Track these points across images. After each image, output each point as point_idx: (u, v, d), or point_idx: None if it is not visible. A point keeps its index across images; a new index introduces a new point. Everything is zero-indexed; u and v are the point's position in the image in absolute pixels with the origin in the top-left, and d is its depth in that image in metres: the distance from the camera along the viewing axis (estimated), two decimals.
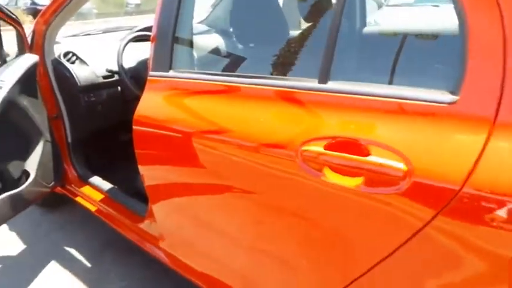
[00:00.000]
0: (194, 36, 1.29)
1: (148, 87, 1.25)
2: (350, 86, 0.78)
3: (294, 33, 1.17)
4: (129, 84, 1.82)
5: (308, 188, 0.81)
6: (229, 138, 0.95)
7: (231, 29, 1.62)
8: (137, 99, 2.00)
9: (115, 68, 1.92)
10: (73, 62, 1.96)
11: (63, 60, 1.91)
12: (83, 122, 2.04)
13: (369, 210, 0.74)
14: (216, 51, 1.62)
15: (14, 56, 1.72)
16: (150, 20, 2.61)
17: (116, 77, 2.01)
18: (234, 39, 1.67)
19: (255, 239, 1.03)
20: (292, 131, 0.84)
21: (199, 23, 2.36)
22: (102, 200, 1.88)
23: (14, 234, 2.16)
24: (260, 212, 0.97)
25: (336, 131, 0.77)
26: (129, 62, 1.93)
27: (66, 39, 2.38)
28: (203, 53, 1.47)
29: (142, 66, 1.95)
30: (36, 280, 1.84)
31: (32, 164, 1.74)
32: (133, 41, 1.91)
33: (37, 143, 1.77)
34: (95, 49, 2.17)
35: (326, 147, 0.77)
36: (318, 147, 0.78)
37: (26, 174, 1.74)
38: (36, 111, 1.73)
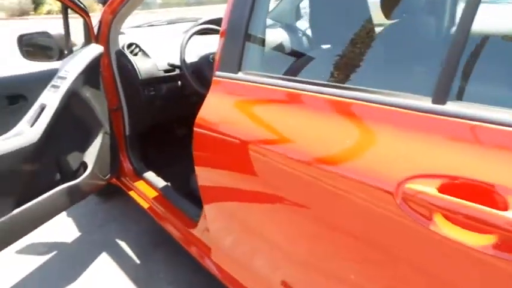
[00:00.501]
0: (266, 34, 1.14)
1: (214, 88, 1.13)
2: (481, 111, 0.59)
3: (392, 32, 0.97)
4: (190, 80, 1.73)
5: (406, 233, 0.64)
6: (305, 156, 0.80)
7: (309, 27, 1.47)
8: (197, 95, 1.94)
9: (177, 62, 1.85)
10: (136, 54, 1.91)
11: (127, 52, 1.87)
12: (141, 115, 2.00)
13: (496, 278, 0.55)
14: (289, 51, 1.47)
15: (80, 46, 1.70)
16: (214, 11, 2.52)
17: (177, 71, 1.93)
18: (310, 38, 1.51)
19: (329, 272, 0.88)
20: (393, 161, 0.67)
21: None
22: (155, 198, 1.82)
23: (70, 222, 2.20)
24: (337, 242, 0.81)
25: (458, 169, 0.58)
26: (191, 57, 1.84)
27: (130, 30, 2.36)
28: (275, 54, 1.33)
29: (205, 61, 1.85)
30: (85, 271, 1.84)
31: (90, 156, 1.72)
32: (197, 34, 1.82)
33: (96, 135, 1.74)
34: (158, 41, 2.12)
35: (441, 189, 0.59)
36: (428, 188, 0.60)
37: (84, 166, 1.72)
38: (97, 102, 1.70)
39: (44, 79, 1.49)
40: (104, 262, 1.90)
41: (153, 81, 1.89)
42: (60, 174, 1.62)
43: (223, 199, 1.22)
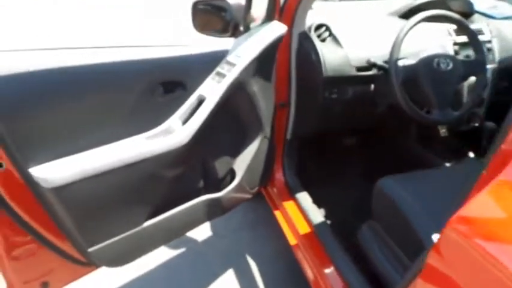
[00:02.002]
0: None
1: None
2: None
3: None
4: (398, 93, 1.17)
5: None
6: None
7: None
8: (393, 108, 1.37)
9: (380, 61, 1.29)
10: (324, 40, 1.42)
11: (313, 36, 1.40)
12: (311, 118, 1.54)
13: None
14: None
15: (260, 22, 1.28)
16: None
17: (374, 71, 1.38)
18: None
19: None
20: None
21: None
22: (306, 237, 1.38)
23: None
24: None
25: None
26: (403, 55, 1.26)
27: (321, 4, 1.83)
28: None
29: (426, 68, 1.24)
30: (208, 275, 1.63)
31: (241, 163, 1.36)
32: (424, 22, 1.22)
33: (253, 139, 1.36)
34: (356, 23, 1.57)
35: None
36: None
37: (232, 174, 1.37)
38: (264, 99, 1.30)
39: (209, 63, 1.14)
40: (226, 273, 1.64)
41: (340, 82, 1.38)
42: (204, 181, 1.30)
43: None
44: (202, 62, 1.12)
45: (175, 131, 1.08)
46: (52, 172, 0.87)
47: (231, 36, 1.23)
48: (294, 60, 1.45)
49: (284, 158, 1.63)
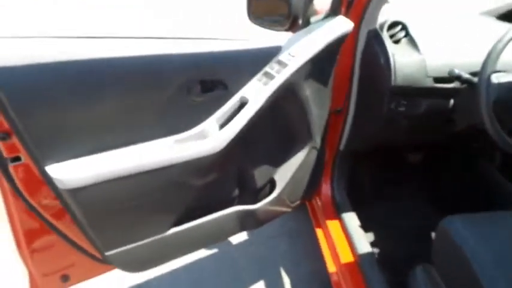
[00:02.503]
0: None
1: None
2: None
3: None
4: (486, 117, 0.94)
5: None
6: None
7: None
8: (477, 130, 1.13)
9: (466, 74, 1.06)
10: (398, 41, 1.20)
11: (385, 36, 1.18)
12: (369, 130, 1.34)
13: None
14: None
15: (322, 16, 1.10)
16: None
17: (456, 84, 1.14)
18: None
19: None
20: None
21: None
22: (347, 265, 1.21)
23: None
24: None
25: None
26: (500, 66, 1.01)
27: None
28: None
29: None
30: (236, 282, 1.53)
31: (284, 174, 1.22)
32: None
33: (300, 148, 1.21)
34: (441, 24, 1.32)
35: None
36: None
37: (272, 184, 1.23)
38: (316, 104, 1.13)
39: (256, 61, 0.99)
40: (256, 281, 1.51)
41: (411, 93, 1.16)
42: (238, 190, 1.17)
43: None
44: (248, 59, 0.98)
45: (211, 136, 0.96)
46: (69, 172, 0.79)
47: (287, 30, 1.06)
48: (358, 63, 1.24)
49: (334, 171, 1.45)
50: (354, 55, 1.24)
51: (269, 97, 0.97)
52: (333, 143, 1.39)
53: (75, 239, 0.98)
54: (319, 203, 1.45)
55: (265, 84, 0.98)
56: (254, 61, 0.99)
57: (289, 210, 1.32)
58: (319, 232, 1.41)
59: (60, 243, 1.00)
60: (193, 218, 1.07)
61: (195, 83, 0.92)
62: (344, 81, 1.26)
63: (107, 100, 0.81)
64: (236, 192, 1.17)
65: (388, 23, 1.20)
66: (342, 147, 1.41)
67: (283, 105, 1.05)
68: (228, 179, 1.12)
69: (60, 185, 0.79)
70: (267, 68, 1.00)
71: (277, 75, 0.97)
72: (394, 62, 1.14)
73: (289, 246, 1.71)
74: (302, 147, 1.20)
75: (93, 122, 0.81)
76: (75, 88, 0.76)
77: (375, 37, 1.20)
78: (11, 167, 0.82)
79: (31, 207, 0.88)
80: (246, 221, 1.20)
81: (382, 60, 1.16)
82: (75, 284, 1.10)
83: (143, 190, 0.91)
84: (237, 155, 1.06)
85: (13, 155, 0.81)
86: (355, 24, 1.10)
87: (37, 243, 0.99)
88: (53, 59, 0.73)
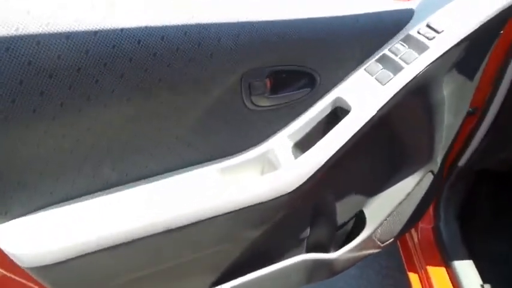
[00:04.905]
0: None
1: None
2: None
3: None
4: None
5: None
6: None
7: None
8: None
9: None
10: None
11: None
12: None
13: None
14: None
15: None
16: None
17: None
18: None
19: None
20: None
21: None
22: None
23: None
24: None
25: None
26: None
27: None
28: None
29: None
30: None
31: (379, 208, 0.81)
32: None
33: (411, 173, 0.79)
34: None
35: None
36: None
37: (359, 220, 0.83)
38: (453, 110, 0.70)
39: (365, 38, 0.56)
40: None
41: None
42: (310, 230, 0.79)
43: None
44: (351, 35, 0.54)
45: (282, 164, 0.56)
46: (28, 243, 0.44)
47: None
48: None
49: (442, 194, 1.01)
50: None
51: (388, 102, 0.55)
52: (449, 157, 0.94)
53: None
54: (415, 238, 1.04)
55: (383, 79, 0.55)
56: (361, 37, 0.55)
57: (375, 251, 0.92)
58: (413, 279, 1.00)
59: None
60: (242, 274, 0.71)
61: (260, 76, 0.51)
62: (491, 73, 0.79)
63: (100, 102, 0.43)
64: (306, 233, 0.78)
65: None
66: (461, 162, 0.96)
67: (399, 112, 0.62)
68: (298, 218, 0.73)
69: (18, 262, 0.44)
70: (386, 51, 0.57)
71: (408, 64, 0.54)
72: None
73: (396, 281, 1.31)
74: (414, 171, 0.78)
75: (76, 139, 0.44)
76: (45, 81, 0.39)
77: None
78: None
79: None
80: (318, 272, 0.82)
81: None
82: None
83: (166, 254, 0.55)
84: (318, 189, 0.66)
85: None
86: None
87: None
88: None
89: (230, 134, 0.55)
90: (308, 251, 0.82)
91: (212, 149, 0.55)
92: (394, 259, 1.34)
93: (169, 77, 0.45)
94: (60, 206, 0.46)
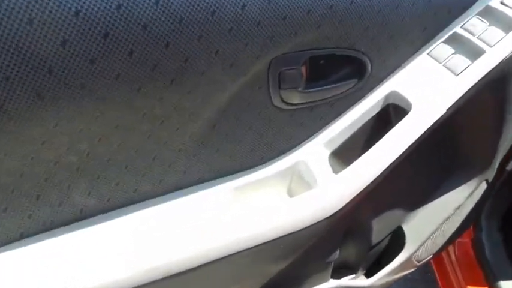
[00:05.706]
0: None
1: None
2: None
3: None
4: None
5: None
6: None
7: None
8: None
9: None
10: None
11: None
12: None
13: None
14: None
15: None
16: None
17: None
18: None
19: None
20: None
21: None
22: None
23: None
24: None
25: None
26: None
27: None
28: None
29: None
30: None
31: (422, 225, 0.68)
32: None
33: (462, 183, 0.65)
34: None
35: None
36: None
37: (397, 238, 0.70)
38: None
39: (430, 14, 0.42)
40: None
41: None
42: (340, 251, 0.65)
43: None
44: (412, 7, 0.40)
45: (318, 179, 0.42)
46: None
47: None
48: None
49: (487, 202, 0.87)
50: None
51: (462, 97, 0.41)
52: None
53: None
54: (451, 253, 0.90)
55: (456, 67, 0.41)
56: (426, 11, 0.41)
57: (409, 271, 0.79)
58: None
59: None
60: None
61: (295, 63, 0.37)
62: None
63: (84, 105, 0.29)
64: (335, 255, 0.65)
65: None
66: (510, 166, 0.82)
67: (469, 109, 0.48)
68: (329, 241, 0.60)
69: None
70: (457, 29, 0.42)
71: (491, 46, 0.40)
72: None
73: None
74: (468, 180, 0.64)
75: (30, 157, 0.30)
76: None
77: None
78: None
79: None
80: None
81: None
82: None
83: None
84: (359, 208, 0.52)
85: None
86: None
87: None
88: None
89: (249, 141, 0.41)
90: (334, 273, 0.69)
91: (225, 161, 0.41)
92: (417, 269, 1.22)
93: (166, 68, 0.31)
94: (5, 251, 0.32)
